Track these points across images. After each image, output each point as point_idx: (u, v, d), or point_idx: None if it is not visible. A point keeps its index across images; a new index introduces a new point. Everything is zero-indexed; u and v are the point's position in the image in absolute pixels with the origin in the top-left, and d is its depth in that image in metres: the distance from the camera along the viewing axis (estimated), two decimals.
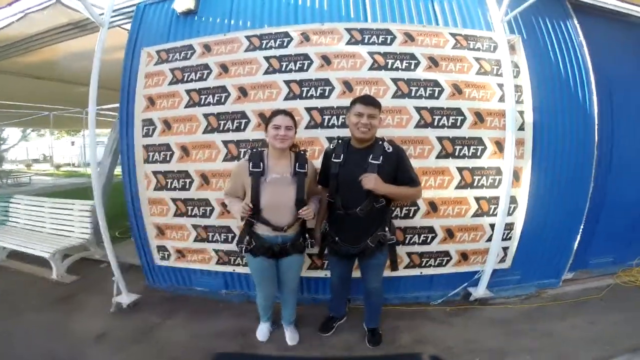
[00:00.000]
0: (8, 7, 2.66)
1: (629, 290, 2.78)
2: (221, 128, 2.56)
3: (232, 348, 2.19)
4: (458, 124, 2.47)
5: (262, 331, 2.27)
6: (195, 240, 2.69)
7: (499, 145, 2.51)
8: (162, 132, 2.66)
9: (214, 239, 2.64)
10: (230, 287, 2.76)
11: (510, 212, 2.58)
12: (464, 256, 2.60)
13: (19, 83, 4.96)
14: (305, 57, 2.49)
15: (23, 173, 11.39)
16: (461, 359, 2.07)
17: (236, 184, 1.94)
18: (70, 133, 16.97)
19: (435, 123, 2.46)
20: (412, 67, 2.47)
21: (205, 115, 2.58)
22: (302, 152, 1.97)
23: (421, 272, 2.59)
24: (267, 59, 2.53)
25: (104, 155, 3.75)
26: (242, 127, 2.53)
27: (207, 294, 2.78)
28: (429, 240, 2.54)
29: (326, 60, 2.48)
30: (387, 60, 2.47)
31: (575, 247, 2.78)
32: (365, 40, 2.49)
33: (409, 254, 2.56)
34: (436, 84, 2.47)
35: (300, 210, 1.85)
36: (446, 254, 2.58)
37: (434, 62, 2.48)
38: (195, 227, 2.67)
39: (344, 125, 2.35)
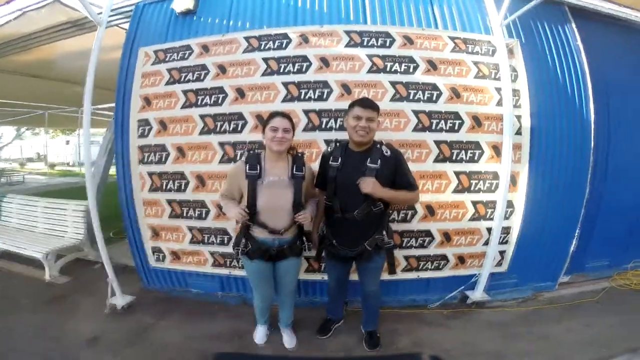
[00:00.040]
0: (6, 5, 2.63)
1: (624, 294, 2.80)
2: (218, 129, 2.53)
3: (228, 350, 2.17)
4: (456, 127, 2.47)
5: (260, 334, 2.25)
6: (190, 242, 2.66)
7: (496, 149, 2.52)
8: (157, 132, 2.64)
9: (210, 241, 2.62)
10: (227, 289, 2.74)
11: (507, 216, 2.58)
12: (461, 260, 2.61)
13: (14, 81, 4.92)
14: (304, 58, 2.48)
15: (17, 172, 11.25)
16: None
17: (232, 186, 1.92)
18: (65, 132, 16.83)
19: (433, 127, 2.46)
20: (411, 70, 2.47)
21: (202, 116, 2.56)
22: (300, 155, 1.95)
23: (418, 276, 2.58)
24: (265, 60, 2.51)
25: (99, 155, 3.71)
26: (239, 129, 2.51)
27: (203, 296, 2.76)
28: (426, 244, 2.54)
29: (325, 62, 2.47)
30: (386, 63, 2.47)
31: (571, 251, 2.80)
32: (364, 43, 2.48)
33: (407, 258, 2.55)
34: (434, 87, 2.47)
35: (296, 215, 1.83)
36: (443, 257, 2.58)
37: (432, 65, 2.49)
38: (190, 229, 2.64)
39: (342, 128, 2.34)
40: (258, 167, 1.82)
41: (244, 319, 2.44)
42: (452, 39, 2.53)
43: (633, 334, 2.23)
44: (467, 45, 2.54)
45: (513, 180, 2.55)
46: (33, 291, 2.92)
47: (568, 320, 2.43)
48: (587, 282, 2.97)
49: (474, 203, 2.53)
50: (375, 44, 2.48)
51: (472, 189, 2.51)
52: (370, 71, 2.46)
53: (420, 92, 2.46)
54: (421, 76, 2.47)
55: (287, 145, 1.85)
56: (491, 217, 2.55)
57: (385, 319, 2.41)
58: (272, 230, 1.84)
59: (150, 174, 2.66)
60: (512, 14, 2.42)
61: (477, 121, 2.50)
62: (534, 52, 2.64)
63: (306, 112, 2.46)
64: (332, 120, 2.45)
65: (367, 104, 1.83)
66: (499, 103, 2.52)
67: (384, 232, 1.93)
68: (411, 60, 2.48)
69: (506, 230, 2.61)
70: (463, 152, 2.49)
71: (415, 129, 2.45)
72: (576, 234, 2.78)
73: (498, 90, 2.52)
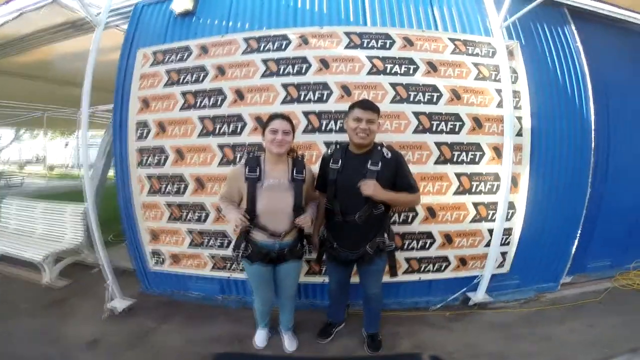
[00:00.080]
0: (4, 6, 2.62)
1: (626, 294, 2.80)
2: (217, 131, 2.52)
3: None
4: (456, 129, 2.47)
5: (260, 337, 2.23)
6: (190, 246, 2.64)
7: (497, 151, 2.51)
8: (156, 134, 2.62)
9: (210, 244, 2.60)
10: (227, 293, 2.72)
11: (509, 217, 2.57)
12: (463, 261, 2.59)
13: (12, 83, 4.88)
14: (304, 60, 2.47)
15: (15, 174, 11.20)
16: None
17: (232, 189, 1.90)
18: (64, 134, 16.76)
19: (434, 128, 2.45)
20: (411, 71, 2.47)
21: (201, 118, 2.54)
22: (300, 158, 1.94)
23: (420, 278, 2.57)
24: (264, 61, 2.50)
25: (97, 158, 3.70)
26: (238, 131, 2.49)
27: (203, 299, 2.73)
28: (427, 246, 2.52)
29: (325, 63, 2.46)
30: (386, 65, 2.46)
31: (573, 252, 2.79)
32: (364, 45, 2.47)
33: (408, 260, 2.54)
34: (435, 89, 2.47)
35: (297, 219, 1.81)
36: (445, 259, 2.57)
37: (432, 67, 2.48)
38: (190, 232, 2.62)
39: (342, 130, 2.33)
40: (258, 170, 1.81)
41: (244, 322, 2.42)
42: (452, 40, 2.53)
43: (636, 334, 2.22)
44: (467, 47, 2.54)
45: (514, 182, 2.54)
46: (32, 295, 2.89)
47: (571, 321, 2.42)
48: (589, 283, 2.96)
49: (475, 204, 2.52)
50: (375, 46, 2.47)
51: (473, 190, 2.50)
52: (370, 73, 2.45)
53: (420, 93, 2.45)
54: (421, 78, 2.47)
55: (287, 148, 1.84)
56: (492, 218, 2.54)
57: (387, 321, 2.39)
58: (272, 233, 1.83)
59: (149, 177, 2.65)
60: (512, 15, 2.41)
61: (477, 123, 2.49)
62: (533, 53, 2.63)
63: (306, 114, 2.45)
64: (332, 122, 2.43)
65: (368, 105, 1.82)
66: (500, 104, 2.51)
67: (385, 235, 1.91)
68: (411, 61, 2.47)
69: (508, 232, 2.60)
70: (464, 153, 2.48)
71: (415, 131, 2.44)
72: (578, 234, 2.76)
73: (498, 91, 2.52)
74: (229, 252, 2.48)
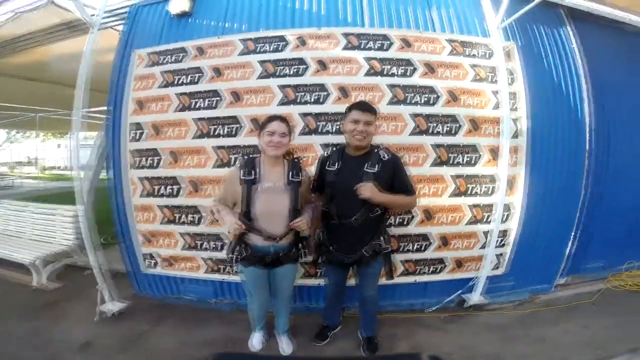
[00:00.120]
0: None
1: (619, 295, 2.83)
2: (212, 133, 2.49)
3: None
4: (453, 131, 2.47)
5: (256, 340, 2.21)
6: (183, 248, 2.61)
7: (494, 152, 2.52)
8: (150, 136, 2.58)
9: (204, 247, 2.57)
10: (220, 296, 2.69)
11: (505, 219, 2.59)
12: (459, 263, 2.59)
13: (6, 84, 4.81)
14: (301, 61, 2.46)
15: (6, 176, 11.02)
16: None
17: (227, 191, 1.88)
18: (57, 135, 16.55)
19: (431, 130, 2.45)
20: (409, 73, 2.47)
21: (196, 120, 2.51)
22: (297, 160, 1.91)
23: (416, 280, 2.57)
24: (261, 63, 2.48)
25: (91, 159, 3.63)
26: (234, 133, 2.47)
27: (197, 302, 2.70)
28: (423, 248, 2.52)
29: (322, 65, 2.45)
30: (384, 66, 2.45)
31: (567, 253, 2.82)
32: (362, 46, 2.47)
33: (404, 262, 2.53)
34: (432, 90, 2.47)
35: (293, 222, 1.79)
36: (441, 261, 2.57)
37: (430, 68, 2.48)
38: (183, 234, 2.59)
39: (339, 131, 2.31)
40: (254, 173, 1.78)
41: (238, 325, 2.40)
42: (450, 41, 2.53)
43: (630, 335, 2.24)
44: (464, 48, 2.54)
45: (510, 184, 2.55)
46: (22, 297, 2.85)
47: (565, 322, 2.44)
48: (583, 284, 2.99)
49: (472, 207, 2.52)
50: (373, 47, 2.47)
51: (469, 192, 2.51)
52: (368, 74, 2.45)
53: (418, 95, 2.45)
54: (419, 79, 2.46)
55: (283, 150, 1.82)
56: (488, 220, 2.55)
57: (384, 323, 2.39)
58: (269, 236, 1.80)
59: (143, 179, 2.61)
60: (509, 17, 2.42)
61: (474, 124, 2.50)
62: (530, 55, 2.65)
63: (303, 115, 2.43)
64: (330, 124, 2.42)
65: (365, 107, 1.81)
66: (497, 106, 2.52)
67: (382, 238, 1.91)
68: (409, 63, 2.47)
69: (503, 234, 2.61)
70: (461, 155, 2.48)
71: (412, 133, 2.44)
72: (572, 237, 2.79)
73: (495, 93, 2.53)
74: (223, 254, 2.45)
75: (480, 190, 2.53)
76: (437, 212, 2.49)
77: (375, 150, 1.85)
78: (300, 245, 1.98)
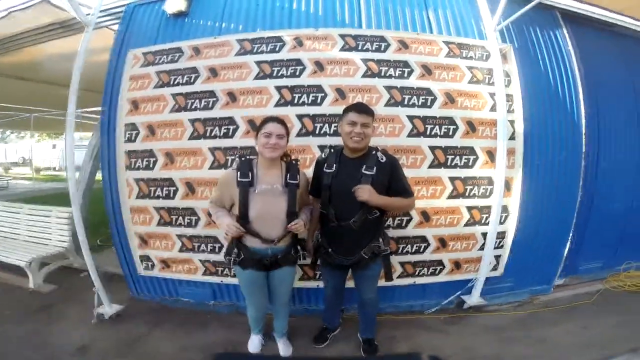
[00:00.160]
0: None
1: (618, 295, 2.84)
2: (208, 134, 2.47)
3: None
4: (450, 133, 2.46)
5: (254, 343, 2.19)
6: (180, 251, 2.58)
7: (491, 154, 2.52)
8: (145, 137, 2.56)
9: (201, 250, 2.55)
10: (219, 298, 2.66)
11: (502, 221, 2.59)
12: (457, 265, 2.59)
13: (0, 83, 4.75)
14: (298, 62, 2.44)
15: (0, 177, 10.91)
16: None
17: (223, 193, 1.85)
18: (51, 136, 16.44)
19: (428, 132, 2.44)
20: (406, 75, 2.46)
21: (192, 121, 2.49)
22: (294, 162, 1.90)
23: (415, 282, 2.56)
24: (258, 63, 2.46)
25: (85, 160, 3.60)
26: (230, 134, 2.45)
27: (195, 304, 2.68)
28: (422, 250, 2.52)
29: (319, 66, 2.44)
30: (381, 68, 2.44)
31: (565, 254, 2.82)
32: (359, 47, 2.46)
33: (402, 264, 2.52)
34: (429, 92, 2.46)
35: (290, 224, 1.77)
36: (439, 263, 2.56)
37: (427, 70, 2.47)
38: (180, 237, 2.56)
39: (336, 133, 2.30)
40: (250, 175, 1.76)
41: (237, 328, 2.38)
42: (447, 43, 2.53)
43: (630, 335, 2.25)
44: (461, 50, 2.54)
45: (507, 186, 2.55)
46: (17, 300, 2.81)
47: (564, 323, 2.44)
48: (581, 285, 3.00)
49: (469, 208, 2.52)
50: (370, 48, 2.46)
51: (467, 194, 2.50)
52: (365, 75, 2.44)
53: (415, 97, 2.44)
54: (416, 81, 2.46)
55: (280, 152, 1.80)
56: (486, 222, 2.54)
57: (383, 325, 2.38)
58: (265, 239, 1.79)
59: (138, 181, 2.58)
60: (505, 19, 2.42)
61: (471, 126, 2.49)
62: (526, 57, 2.65)
63: (300, 117, 2.41)
64: (327, 126, 2.41)
65: (362, 109, 1.80)
66: (493, 108, 2.52)
67: (381, 240, 1.89)
68: (406, 64, 2.46)
69: (501, 235, 2.61)
70: (458, 157, 2.47)
71: (410, 135, 2.43)
72: (569, 237, 2.79)
73: (492, 95, 2.52)
74: (220, 257, 2.43)
75: (478, 192, 2.52)
76: (434, 214, 2.48)
77: (373, 152, 1.84)
78: (298, 247, 1.97)
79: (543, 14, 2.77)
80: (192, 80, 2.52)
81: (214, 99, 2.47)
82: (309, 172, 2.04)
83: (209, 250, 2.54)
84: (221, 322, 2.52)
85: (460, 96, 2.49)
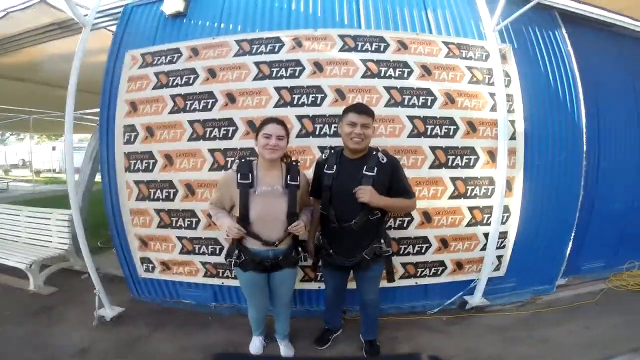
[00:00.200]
0: None
1: (621, 294, 2.83)
2: (207, 135, 2.46)
3: None
4: (451, 133, 2.45)
5: (255, 345, 2.18)
6: (181, 253, 2.57)
7: (492, 154, 2.51)
8: (144, 139, 2.54)
9: (201, 251, 2.53)
10: (220, 300, 2.65)
11: (504, 221, 2.57)
12: (459, 265, 2.58)
13: None
14: (297, 63, 2.43)
15: (0, 179, 10.90)
16: None
17: (223, 195, 1.84)
18: (51, 138, 16.42)
19: (428, 132, 2.43)
20: (405, 75, 2.45)
21: (191, 122, 2.47)
22: (294, 163, 1.88)
23: (416, 282, 2.55)
24: (257, 64, 2.45)
25: (84, 162, 3.60)
26: (229, 135, 2.44)
27: (196, 306, 2.67)
28: (423, 251, 2.50)
29: (318, 67, 2.43)
30: (380, 68, 2.43)
31: (567, 254, 2.81)
32: (359, 48, 2.45)
33: (404, 265, 2.51)
34: (429, 92, 2.45)
35: (290, 226, 1.76)
36: (441, 263, 2.55)
37: (427, 70, 2.47)
38: (180, 238, 2.55)
39: (336, 134, 2.29)
40: (250, 176, 1.75)
41: (238, 329, 2.37)
42: (446, 44, 2.52)
43: (633, 335, 2.24)
44: (460, 50, 2.53)
45: (508, 186, 2.54)
46: (18, 302, 2.81)
47: (567, 323, 2.43)
48: (584, 284, 2.99)
49: (471, 209, 2.51)
50: (370, 49, 2.45)
51: (468, 194, 2.49)
52: (364, 76, 2.43)
53: (415, 97, 2.44)
54: (416, 81, 2.45)
55: (280, 154, 1.79)
56: (488, 222, 2.53)
57: (385, 326, 2.37)
58: (266, 241, 1.77)
59: (137, 183, 2.57)
60: (504, 19, 2.41)
61: (472, 126, 2.48)
62: (525, 57, 2.65)
63: (299, 117, 2.40)
64: (326, 127, 2.40)
65: (362, 109, 1.79)
66: (493, 108, 2.51)
67: (382, 241, 1.88)
68: (405, 65, 2.45)
69: (503, 235, 2.60)
70: (458, 157, 2.46)
71: (410, 135, 2.42)
72: (571, 237, 2.78)
73: (492, 95, 2.52)
74: (221, 259, 2.42)
75: (480, 192, 2.51)
76: (436, 214, 2.47)
77: (374, 153, 1.83)
78: (299, 248, 1.96)
79: (542, 14, 2.76)
80: (190, 82, 2.50)
81: (213, 100, 2.46)
82: (309, 173, 2.03)
83: (209, 252, 2.52)
84: (222, 323, 2.51)
85: (460, 96, 2.48)
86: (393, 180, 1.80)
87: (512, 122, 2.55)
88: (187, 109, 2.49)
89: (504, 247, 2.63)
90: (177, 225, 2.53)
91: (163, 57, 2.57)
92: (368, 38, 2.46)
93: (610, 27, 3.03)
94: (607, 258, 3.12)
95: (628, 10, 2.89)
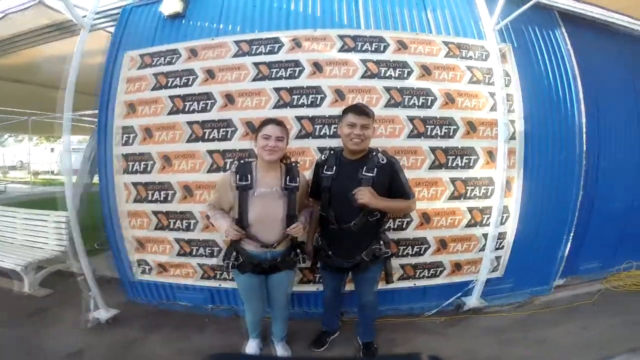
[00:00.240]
0: None
1: (618, 295, 2.83)
2: (206, 137, 2.45)
3: None
4: (450, 133, 2.45)
5: (251, 347, 2.15)
6: (177, 254, 2.56)
7: (491, 155, 2.50)
8: (142, 140, 2.53)
9: (198, 253, 2.52)
10: (217, 302, 2.64)
11: (502, 221, 2.57)
12: (457, 266, 2.58)
13: None
14: (297, 63, 2.43)
15: None
16: None
17: (221, 196, 1.83)
18: (49, 139, 16.33)
19: (428, 133, 2.43)
20: (405, 75, 2.44)
21: (189, 123, 2.46)
22: (294, 165, 1.87)
23: (415, 284, 2.54)
24: (256, 65, 2.45)
25: (82, 164, 3.57)
26: (228, 136, 2.43)
27: (192, 308, 2.65)
28: (422, 252, 2.50)
29: (318, 67, 2.42)
30: (380, 68, 2.43)
31: (565, 254, 2.80)
32: (358, 48, 2.44)
33: (402, 266, 2.51)
34: (429, 92, 2.45)
35: (288, 228, 1.74)
36: (439, 264, 2.55)
37: (426, 70, 2.46)
38: (177, 240, 2.54)
39: (335, 135, 2.28)
40: (249, 178, 1.74)
41: (235, 332, 2.34)
42: (446, 43, 2.52)
43: (631, 335, 2.25)
44: (460, 50, 2.53)
45: (507, 186, 2.53)
46: (12, 304, 2.80)
47: (565, 324, 2.43)
48: (581, 285, 2.99)
49: (470, 209, 2.51)
50: (369, 49, 2.45)
51: (467, 195, 2.49)
52: (364, 76, 2.42)
53: (414, 97, 2.43)
54: (415, 81, 2.45)
55: (279, 155, 1.77)
56: (487, 223, 2.53)
57: (382, 328, 2.36)
58: (264, 243, 1.76)
59: (135, 184, 2.55)
60: (504, 19, 2.41)
61: (471, 126, 2.48)
62: (525, 56, 2.65)
63: (298, 118, 2.40)
64: (326, 127, 2.39)
65: (361, 110, 1.77)
66: (493, 108, 2.51)
67: (381, 242, 1.88)
68: (405, 65, 2.45)
69: (501, 236, 2.60)
70: (458, 158, 2.46)
71: (410, 136, 2.41)
72: (569, 237, 2.78)
73: (492, 95, 2.51)
74: (218, 261, 2.40)
75: (479, 193, 2.51)
76: (435, 215, 2.47)
77: (373, 154, 1.82)
78: (298, 250, 1.94)
79: (541, 14, 2.76)
80: (189, 82, 2.50)
81: (212, 101, 2.45)
82: (308, 174, 2.02)
83: (206, 254, 2.51)
84: (219, 325, 2.49)
85: (460, 96, 2.48)
86: (393, 182, 1.79)
87: (512, 122, 2.55)
88: (186, 110, 2.48)
89: (502, 247, 2.63)
90: (175, 227, 2.52)
91: (162, 58, 2.56)
92: (368, 38, 2.46)
93: (609, 27, 3.02)
94: (605, 258, 3.13)
95: (627, 9, 2.90)
